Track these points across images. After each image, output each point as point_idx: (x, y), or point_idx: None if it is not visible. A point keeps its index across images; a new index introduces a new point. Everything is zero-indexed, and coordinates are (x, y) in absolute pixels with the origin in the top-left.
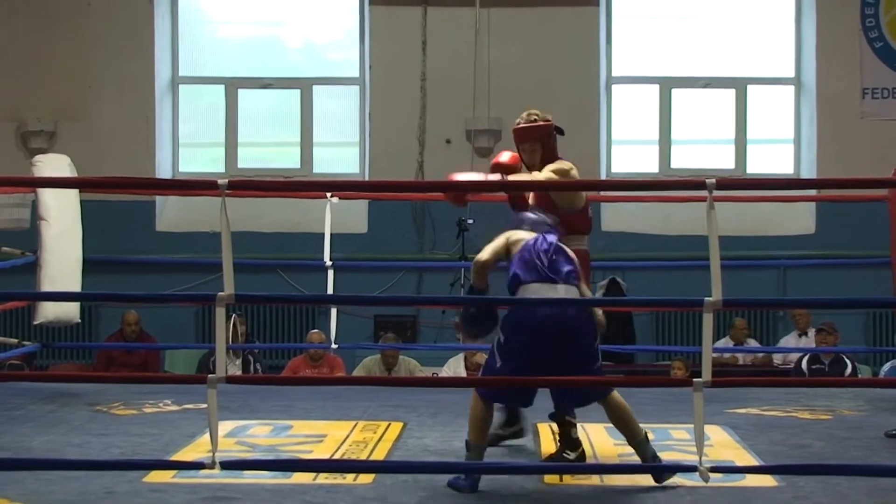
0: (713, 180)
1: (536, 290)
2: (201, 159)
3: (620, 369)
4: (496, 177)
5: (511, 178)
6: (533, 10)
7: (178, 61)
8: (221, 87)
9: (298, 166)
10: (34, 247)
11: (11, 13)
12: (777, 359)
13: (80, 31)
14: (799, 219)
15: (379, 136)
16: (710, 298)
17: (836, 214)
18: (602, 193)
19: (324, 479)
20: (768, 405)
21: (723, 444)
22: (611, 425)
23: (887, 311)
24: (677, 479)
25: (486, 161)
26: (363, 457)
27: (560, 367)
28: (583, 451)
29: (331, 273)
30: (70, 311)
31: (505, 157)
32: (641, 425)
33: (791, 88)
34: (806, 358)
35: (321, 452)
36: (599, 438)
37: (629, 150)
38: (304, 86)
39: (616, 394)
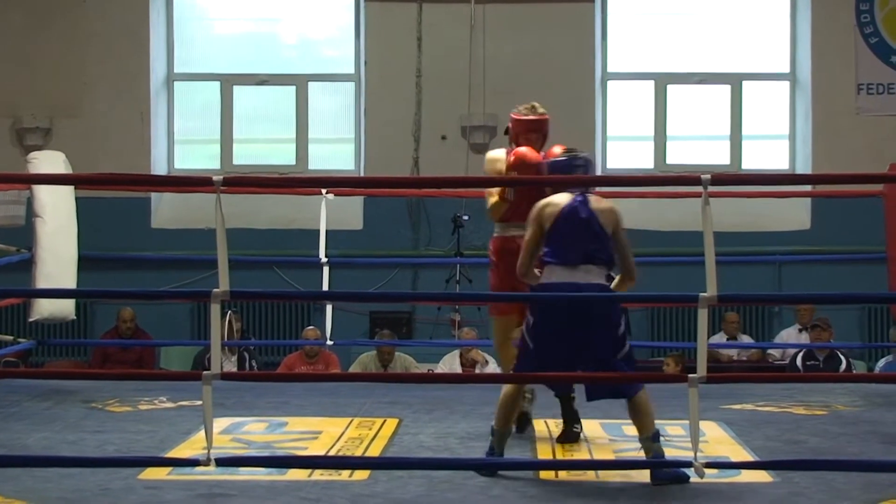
0: (708, 176)
1: (556, 270)
2: (197, 156)
3: None
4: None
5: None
6: (528, 6)
7: (173, 58)
8: (217, 84)
9: (294, 163)
10: (29, 244)
11: (7, 9)
12: (776, 354)
13: (76, 27)
14: (794, 214)
15: (374, 133)
16: (706, 294)
17: (832, 210)
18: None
19: (319, 475)
20: (763, 401)
21: (718, 440)
22: (607, 421)
23: (882, 306)
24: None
25: (481, 157)
26: (359, 453)
27: (587, 352)
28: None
29: (326, 269)
30: (65, 307)
31: (532, 154)
32: None
33: (786, 84)
34: (801, 354)
35: (316, 449)
36: (595, 434)
37: (624, 146)
38: (300, 82)
39: (644, 393)
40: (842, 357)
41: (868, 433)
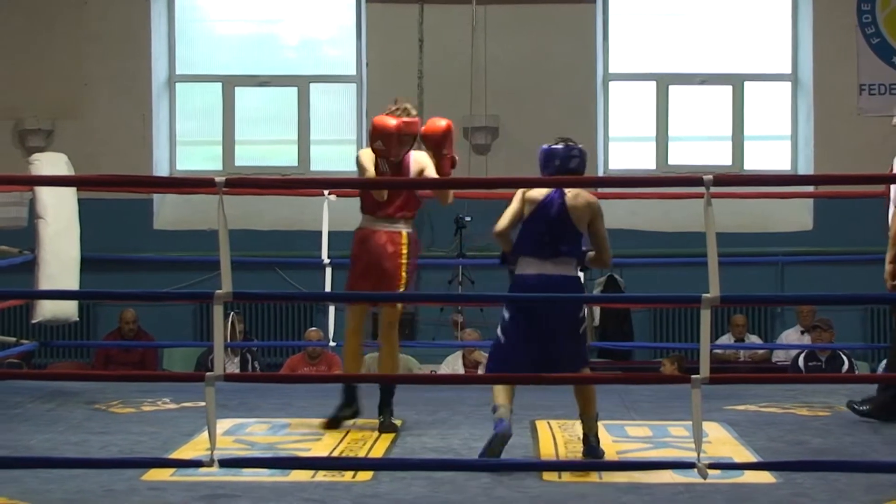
0: (710, 177)
1: (530, 262)
2: (198, 157)
3: (618, 366)
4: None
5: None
6: (530, 7)
7: (174, 59)
8: (218, 85)
9: (296, 164)
10: (32, 245)
11: (8, 11)
12: (779, 355)
13: (77, 29)
14: (796, 215)
15: None
16: (708, 295)
17: (834, 210)
18: (599, 190)
19: (322, 476)
20: (766, 402)
21: (721, 441)
22: (610, 422)
23: (884, 307)
24: (675, 477)
25: (484, 158)
26: (361, 454)
27: (552, 343)
28: None
29: (329, 271)
30: (68, 309)
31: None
32: (641, 422)
33: (788, 85)
34: (803, 355)
35: (319, 450)
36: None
37: (626, 147)
38: (301, 84)
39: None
40: (844, 358)
41: (871, 434)
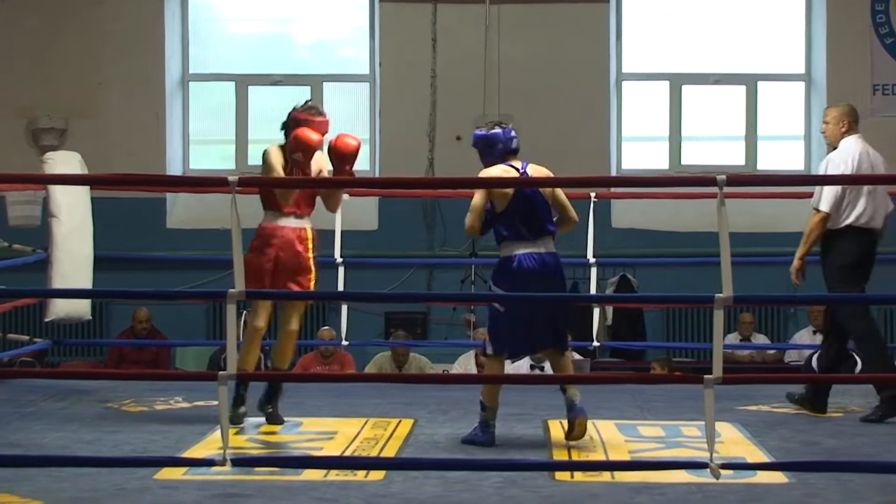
0: (724, 177)
1: (518, 245)
2: (212, 156)
3: (631, 366)
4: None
5: None
6: (543, 7)
7: (188, 58)
8: (232, 85)
9: None
10: (45, 244)
11: (22, 11)
12: (792, 355)
13: (91, 28)
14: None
15: (389, 133)
16: (721, 295)
17: None
18: (612, 190)
19: (335, 475)
20: (779, 402)
21: (734, 441)
22: (622, 422)
23: None
24: (688, 477)
25: None
26: (374, 454)
27: (547, 313)
28: None
29: (341, 270)
30: (81, 308)
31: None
32: (653, 422)
33: (801, 85)
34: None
35: (332, 449)
36: (610, 435)
37: (639, 147)
38: (315, 83)
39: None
40: (857, 359)
41: (884, 434)
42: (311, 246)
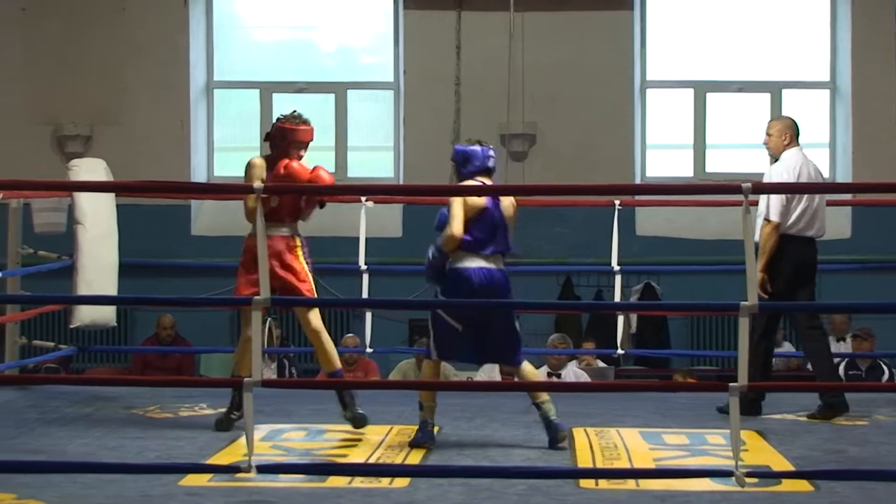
0: (749, 184)
1: (473, 258)
2: (236, 163)
3: (655, 374)
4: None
5: None
6: (567, 15)
7: (212, 66)
8: (256, 92)
9: (333, 170)
10: (70, 250)
11: (47, 17)
12: None
13: (116, 35)
14: (834, 223)
15: (413, 141)
16: (746, 303)
17: (872, 219)
18: (636, 198)
19: (359, 482)
20: (804, 410)
21: (758, 449)
22: (647, 430)
23: None
24: (712, 485)
25: (521, 165)
26: (398, 461)
27: (486, 331)
28: None
29: (366, 277)
30: (106, 314)
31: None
32: (677, 430)
33: (826, 92)
34: (843, 363)
35: (356, 456)
36: (634, 443)
37: (664, 154)
38: (339, 90)
39: (527, 364)
40: (884, 367)
41: None
42: (300, 253)
